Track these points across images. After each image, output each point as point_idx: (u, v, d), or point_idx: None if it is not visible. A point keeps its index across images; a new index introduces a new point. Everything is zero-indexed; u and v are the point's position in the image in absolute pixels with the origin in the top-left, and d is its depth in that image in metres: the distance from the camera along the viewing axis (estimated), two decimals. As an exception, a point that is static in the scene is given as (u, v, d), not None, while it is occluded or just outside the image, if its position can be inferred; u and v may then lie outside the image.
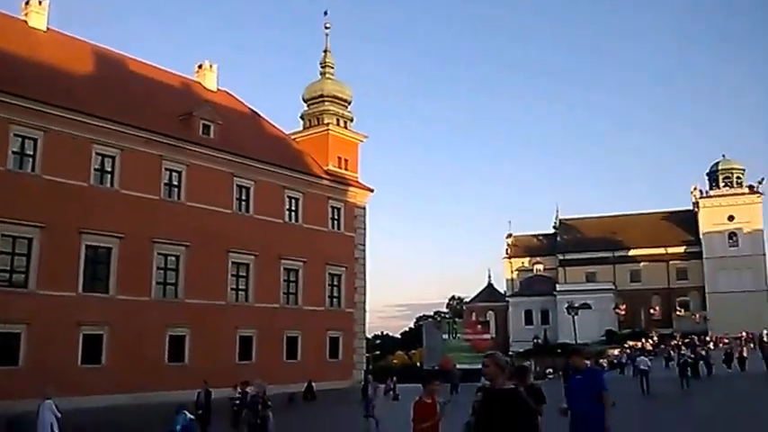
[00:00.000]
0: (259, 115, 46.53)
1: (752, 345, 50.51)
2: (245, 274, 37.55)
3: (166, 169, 34.21)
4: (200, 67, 45.42)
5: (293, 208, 40.95)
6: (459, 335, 48.14)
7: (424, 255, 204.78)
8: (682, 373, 29.12)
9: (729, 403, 23.19)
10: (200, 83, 44.57)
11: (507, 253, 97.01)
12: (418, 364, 59.03)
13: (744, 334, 59.71)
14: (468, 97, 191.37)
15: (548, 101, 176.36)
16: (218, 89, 45.82)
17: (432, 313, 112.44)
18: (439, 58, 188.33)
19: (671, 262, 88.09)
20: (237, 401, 19.26)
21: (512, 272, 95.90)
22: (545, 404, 7.79)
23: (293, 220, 40.78)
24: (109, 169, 31.68)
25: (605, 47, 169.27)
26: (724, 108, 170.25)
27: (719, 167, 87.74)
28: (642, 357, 31.99)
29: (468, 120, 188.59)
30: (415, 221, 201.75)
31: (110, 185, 31.70)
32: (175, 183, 34.66)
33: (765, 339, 48.54)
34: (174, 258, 34.06)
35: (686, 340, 57.74)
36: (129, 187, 32.13)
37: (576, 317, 51.43)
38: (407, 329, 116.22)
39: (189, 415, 14.96)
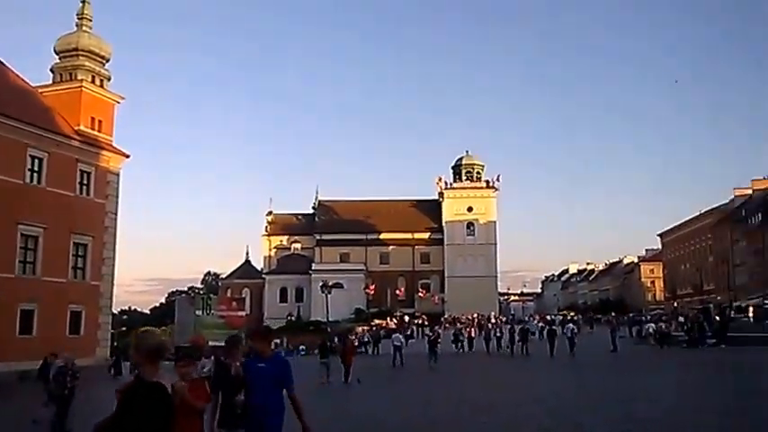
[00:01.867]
0: (2, 63, 40.75)
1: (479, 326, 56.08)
2: (-31, 238, 32.88)
3: None
4: None
5: (36, 168, 36.64)
6: (213, 311, 47.15)
7: (180, 228, 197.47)
8: (430, 350, 31.47)
9: (471, 372, 26.41)
10: None
11: (267, 231, 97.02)
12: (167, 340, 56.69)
13: (475, 315, 66.47)
14: (241, 73, 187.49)
15: (314, 86, 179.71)
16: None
17: (186, 289, 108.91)
18: (213, 31, 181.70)
19: (416, 247, 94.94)
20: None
21: (270, 249, 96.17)
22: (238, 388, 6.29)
23: (35, 182, 36.53)
24: None
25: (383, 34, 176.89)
26: (470, 107, 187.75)
27: (463, 162, 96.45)
28: (397, 335, 34.32)
29: (237, 93, 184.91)
30: (174, 193, 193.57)
31: None
32: None
33: (492, 321, 54.60)
34: None
35: (423, 321, 62.78)
36: None
37: (329, 295, 53.19)
38: (158, 305, 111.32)
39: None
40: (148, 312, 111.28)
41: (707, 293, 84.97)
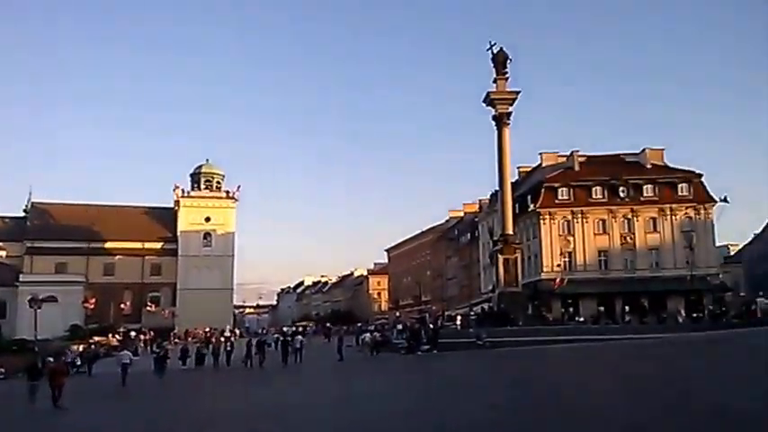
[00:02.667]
0: None
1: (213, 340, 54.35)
2: None
3: None
4: None
5: None
6: None
7: None
8: (158, 367, 30.18)
9: (199, 387, 25.47)
10: None
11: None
12: None
13: (208, 329, 64.48)
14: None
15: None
16: None
17: None
18: None
19: (147, 257, 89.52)
20: None
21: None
22: None
23: None
24: None
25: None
26: (213, 116, 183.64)
27: (202, 170, 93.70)
28: (125, 352, 32.31)
29: None
30: None
31: None
32: None
33: (227, 335, 53.31)
34: None
35: (150, 336, 59.38)
36: None
37: (39, 310, 47.49)
38: None
39: None
40: None
41: (425, 304, 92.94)
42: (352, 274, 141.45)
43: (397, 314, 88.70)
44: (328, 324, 74.58)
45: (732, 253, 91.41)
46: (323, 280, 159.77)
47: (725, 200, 58.04)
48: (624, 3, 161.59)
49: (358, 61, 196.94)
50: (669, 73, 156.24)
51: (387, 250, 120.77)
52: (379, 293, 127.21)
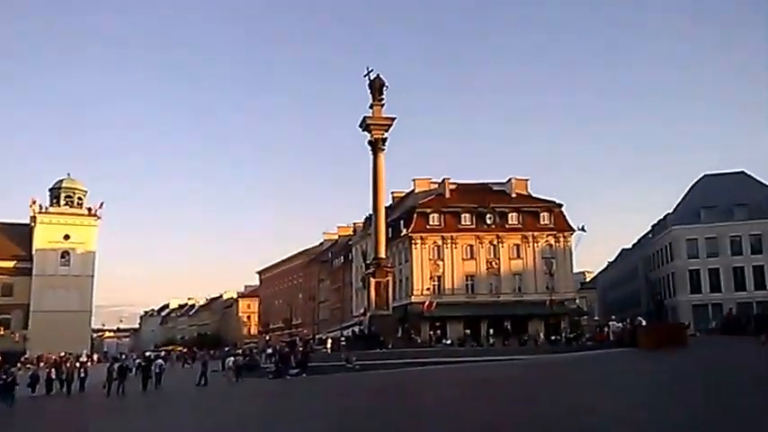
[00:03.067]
0: None
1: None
2: None
3: None
4: None
5: None
6: None
7: None
8: (4, 394, 28.16)
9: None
10: None
11: None
12: None
13: (63, 354, 60.22)
14: None
15: None
16: None
17: None
18: None
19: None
20: None
21: None
22: None
23: None
24: None
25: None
26: (80, 128, 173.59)
27: (63, 185, 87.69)
28: None
29: None
30: None
31: None
32: None
33: (83, 360, 49.92)
34: None
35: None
36: None
37: None
38: None
39: None
40: None
41: (296, 327, 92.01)
42: (221, 296, 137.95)
43: (267, 338, 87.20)
44: (195, 348, 72.12)
45: (588, 279, 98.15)
46: (190, 302, 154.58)
47: (582, 229, 62.16)
48: (497, 44, 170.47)
49: (232, 80, 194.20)
50: (539, 108, 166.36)
51: (258, 272, 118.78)
52: (249, 317, 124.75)
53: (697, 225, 65.05)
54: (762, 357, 24.41)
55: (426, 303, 56.53)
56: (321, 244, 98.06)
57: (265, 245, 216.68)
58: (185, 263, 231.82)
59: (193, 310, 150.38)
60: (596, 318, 75.61)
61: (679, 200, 70.33)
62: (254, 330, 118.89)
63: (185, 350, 79.86)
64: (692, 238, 65.22)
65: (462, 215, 63.04)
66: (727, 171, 68.95)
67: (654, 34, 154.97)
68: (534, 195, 66.92)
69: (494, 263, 62.47)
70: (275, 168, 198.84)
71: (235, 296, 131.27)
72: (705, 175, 69.90)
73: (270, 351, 46.38)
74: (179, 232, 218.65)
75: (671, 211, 69.85)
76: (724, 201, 64.35)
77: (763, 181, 67.44)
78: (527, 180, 68.28)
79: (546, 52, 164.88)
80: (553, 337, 51.99)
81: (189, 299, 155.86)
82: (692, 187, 70.11)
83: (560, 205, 65.09)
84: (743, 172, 68.79)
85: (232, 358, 38.84)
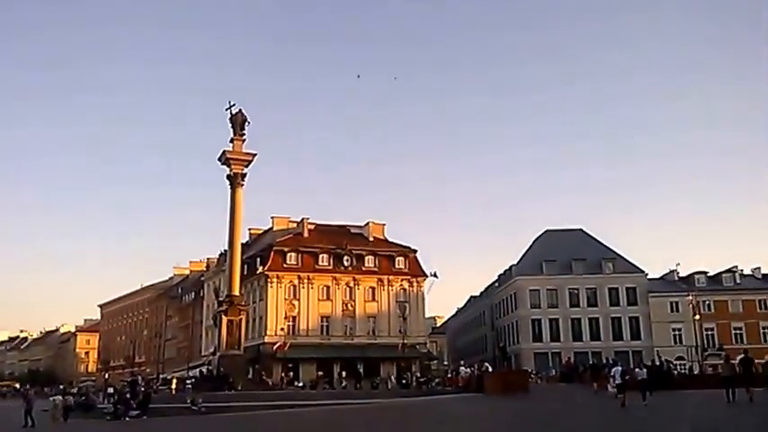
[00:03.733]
0: None
1: None
2: None
3: None
4: None
5: None
6: None
7: None
8: None
9: None
10: None
11: None
12: None
13: None
14: None
15: None
16: None
17: None
18: None
19: None
20: None
21: None
22: None
23: None
24: None
25: None
26: None
27: None
28: None
29: None
30: None
31: None
32: None
33: None
34: None
35: None
36: None
37: None
38: None
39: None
40: None
41: (138, 365, 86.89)
42: (57, 330, 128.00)
43: (106, 376, 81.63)
44: (27, 385, 66.27)
45: (438, 324, 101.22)
46: (21, 335, 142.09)
47: (434, 275, 64.23)
48: (367, 94, 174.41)
49: (91, 109, 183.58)
50: (393, 154, 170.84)
51: (100, 306, 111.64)
52: (87, 353, 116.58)
53: (539, 276, 69.36)
54: (593, 404, 26.29)
55: (279, 344, 55.58)
56: (171, 278, 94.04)
57: (108, 276, 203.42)
58: (15, 291, 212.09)
59: (25, 344, 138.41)
60: (445, 362, 77.93)
61: (523, 252, 74.87)
62: (92, 368, 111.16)
63: (17, 385, 73.43)
64: (534, 289, 69.30)
65: (320, 255, 63.09)
66: (567, 227, 74.48)
67: (470, 92, 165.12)
68: (390, 240, 68.54)
69: (350, 305, 62.83)
70: (119, 194, 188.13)
71: (73, 330, 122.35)
72: (547, 230, 75.03)
73: (111, 390, 43.38)
74: (12, 262, 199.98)
75: (515, 262, 74.07)
76: (564, 255, 69.31)
77: (599, 238, 73.51)
78: (384, 225, 69.86)
79: (401, 97, 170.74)
80: (404, 380, 52.84)
81: (21, 331, 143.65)
82: (535, 241, 74.97)
83: (415, 251, 67.07)
84: (581, 229, 74.58)
85: (59, 396, 35.92)
